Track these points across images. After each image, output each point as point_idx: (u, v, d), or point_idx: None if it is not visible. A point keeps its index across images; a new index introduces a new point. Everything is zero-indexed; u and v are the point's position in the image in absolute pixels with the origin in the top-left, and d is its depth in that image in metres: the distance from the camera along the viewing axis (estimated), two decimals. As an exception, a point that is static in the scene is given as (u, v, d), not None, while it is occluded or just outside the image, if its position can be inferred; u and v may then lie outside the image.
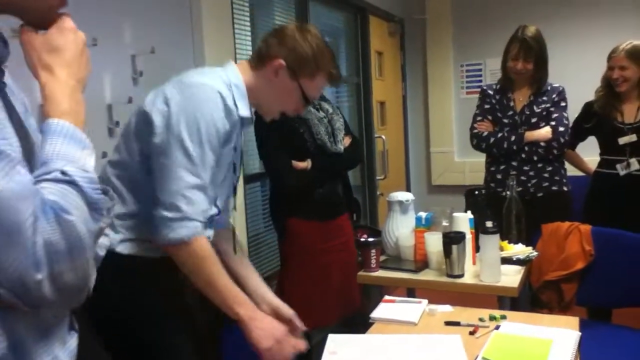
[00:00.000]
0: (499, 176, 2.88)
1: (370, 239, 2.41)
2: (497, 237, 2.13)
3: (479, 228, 2.22)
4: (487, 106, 2.94)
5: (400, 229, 2.45)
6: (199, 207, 1.41)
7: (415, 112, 5.26)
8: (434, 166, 5.17)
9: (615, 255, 2.47)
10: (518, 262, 2.28)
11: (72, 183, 0.77)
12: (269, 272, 3.08)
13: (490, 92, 2.96)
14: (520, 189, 2.70)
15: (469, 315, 1.84)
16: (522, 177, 2.80)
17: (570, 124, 2.90)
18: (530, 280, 2.51)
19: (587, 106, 3.04)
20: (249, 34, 2.99)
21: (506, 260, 2.25)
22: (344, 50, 4.30)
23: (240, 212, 2.70)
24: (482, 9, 4.80)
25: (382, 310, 1.90)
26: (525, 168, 2.82)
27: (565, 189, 2.86)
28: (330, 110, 2.56)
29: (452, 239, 2.16)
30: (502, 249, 2.28)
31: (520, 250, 2.37)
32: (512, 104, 2.88)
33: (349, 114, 4.28)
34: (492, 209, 2.62)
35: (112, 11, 2.03)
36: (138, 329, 1.48)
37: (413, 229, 2.40)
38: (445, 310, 1.90)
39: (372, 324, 1.84)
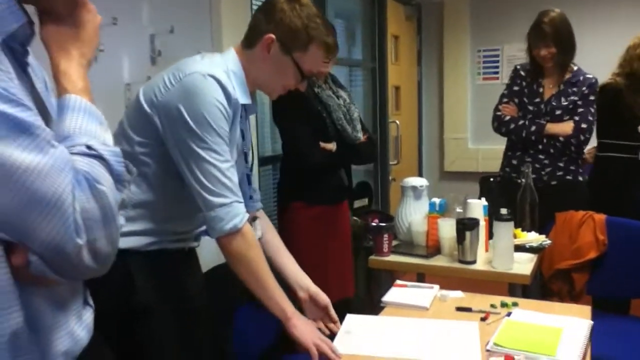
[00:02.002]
0: (514, 162, 2.87)
1: (382, 224, 2.42)
2: (511, 224, 2.13)
3: (492, 215, 2.22)
4: (516, 87, 2.89)
5: (413, 214, 2.46)
6: (237, 185, 1.44)
7: (430, 97, 5.23)
8: (447, 152, 5.15)
9: (628, 246, 2.46)
10: (531, 250, 2.29)
11: (98, 157, 0.80)
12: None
13: (523, 73, 2.89)
14: (534, 176, 2.68)
15: (480, 301, 1.85)
16: (537, 165, 2.78)
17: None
18: (541, 269, 2.51)
19: (608, 92, 2.90)
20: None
21: (519, 248, 2.25)
22: (360, 34, 4.27)
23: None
24: (500, -6, 4.74)
25: (394, 295, 1.91)
26: (541, 156, 2.79)
27: (580, 178, 2.83)
28: (348, 100, 2.59)
29: (466, 225, 2.16)
30: (515, 236, 2.28)
31: (533, 238, 2.37)
32: (541, 90, 2.83)
33: (363, 98, 4.26)
34: (506, 196, 2.62)
35: (131, -10, 2.03)
36: (135, 325, 1.45)
37: (426, 215, 2.41)
38: (457, 296, 1.91)
39: (382, 307, 1.85)
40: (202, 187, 1.40)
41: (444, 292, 1.92)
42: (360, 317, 1.73)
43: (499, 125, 2.88)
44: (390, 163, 4.48)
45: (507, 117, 2.86)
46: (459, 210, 2.36)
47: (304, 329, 1.51)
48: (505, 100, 2.91)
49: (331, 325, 1.69)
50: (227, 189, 1.42)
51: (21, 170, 0.70)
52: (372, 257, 2.38)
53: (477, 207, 2.32)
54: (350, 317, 1.71)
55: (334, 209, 2.58)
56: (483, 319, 1.71)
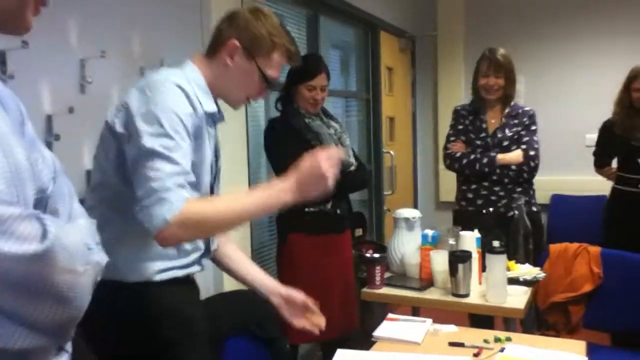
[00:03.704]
0: (469, 195, 2.90)
1: (376, 255, 2.39)
2: (504, 257, 2.11)
3: (486, 247, 2.19)
4: (460, 127, 2.96)
5: (406, 246, 2.43)
6: (166, 173, 1.29)
7: (425, 128, 5.25)
8: (442, 182, 5.14)
9: (624, 278, 2.44)
10: (525, 282, 2.25)
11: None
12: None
13: (464, 112, 2.99)
14: (491, 208, 2.75)
15: (474, 336, 1.82)
16: (492, 197, 2.81)
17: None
18: (536, 302, 2.48)
19: (607, 127, 3.06)
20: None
21: (513, 281, 2.22)
22: (354, 65, 4.30)
23: (245, 223, 2.69)
24: (494, 26, 4.79)
25: (385, 329, 1.88)
26: (496, 188, 2.82)
27: (534, 209, 2.85)
28: (339, 129, 2.62)
29: (459, 258, 2.14)
30: (508, 269, 2.26)
31: (527, 270, 2.34)
32: (484, 125, 2.90)
33: (358, 129, 4.27)
34: (463, 226, 2.59)
35: (120, 23, 2.03)
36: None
37: (419, 247, 2.38)
38: (450, 330, 1.87)
39: (374, 342, 1.81)
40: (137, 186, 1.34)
41: (437, 326, 1.89)
42: (351, 352, 1.69)
43: (452, 162, 2.93)
44: (385, 193, 4.47)
45: (458, 154, 2.90)
46: (451, 242, 2.34)
47: (307, 172, 1.45)
48: (452, 139, 2.97)
49: (315, 319, 1.68)
50: (155, 182, 1.29)
51: None
52: (365, 289, 2.35)
53: (470, 239, 2.29)
54: (340, 352, 1.68)
55: (335, 238, 2.56)
56: (476, 355, 1.67)
